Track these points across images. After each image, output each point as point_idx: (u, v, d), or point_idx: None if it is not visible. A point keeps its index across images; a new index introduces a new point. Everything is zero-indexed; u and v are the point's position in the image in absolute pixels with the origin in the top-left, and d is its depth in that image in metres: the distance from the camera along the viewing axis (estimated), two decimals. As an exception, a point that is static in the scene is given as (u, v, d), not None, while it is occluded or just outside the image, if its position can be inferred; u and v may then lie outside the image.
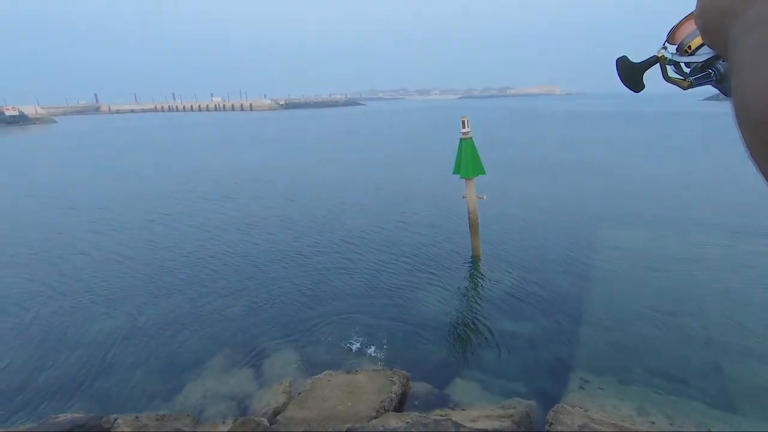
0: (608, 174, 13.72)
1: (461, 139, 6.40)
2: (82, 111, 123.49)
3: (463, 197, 6.93)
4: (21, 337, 5.24)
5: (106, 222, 9.95)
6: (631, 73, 0.59)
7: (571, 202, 10.42)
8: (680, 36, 0.53)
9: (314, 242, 8.13)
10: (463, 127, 6.34)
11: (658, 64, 0.56)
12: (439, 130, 32.70)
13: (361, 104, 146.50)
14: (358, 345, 4.79)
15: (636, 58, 0.60)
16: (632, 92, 0.63)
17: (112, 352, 4.88)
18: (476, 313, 5.53)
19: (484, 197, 6.79)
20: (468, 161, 6.41)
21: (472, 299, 5.97)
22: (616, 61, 0.60)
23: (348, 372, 4.13)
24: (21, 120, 63.54)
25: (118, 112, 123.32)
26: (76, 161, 21.67)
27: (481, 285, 6.32)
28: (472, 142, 6.43)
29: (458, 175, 6.62)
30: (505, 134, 27.25)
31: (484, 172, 6.64)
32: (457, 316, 5.52)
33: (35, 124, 63.64)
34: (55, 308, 5.93)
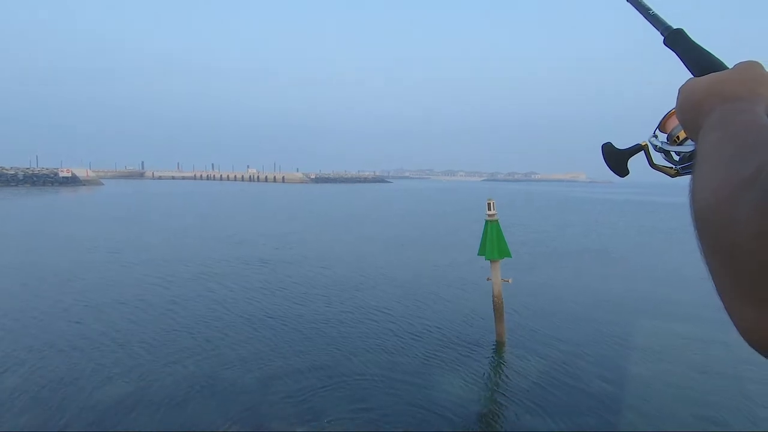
0: (638, 263, 13.27)
1: (487, 221, 6.42)
2: (128, 176, 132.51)
3: (488, 279, 6.78)
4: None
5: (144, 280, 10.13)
6: (615, 159, 0.60)
7: (601, 291, 10.01)
8: (670, 126, 0.54)
9: (333, 315, 7.97)
10: (489, 209, 6.40)
11: (643, 151, 0.57)
12: (464, 210, 33.08)
13: (389, 182, 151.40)
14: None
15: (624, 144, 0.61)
16: (618, 177, 0.64)
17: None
18: (497, 406, 5.12)
19: (510, 280, 6.62)
20: (493, 243, 6.37)
21: (494, 390, 5.56)
22: (602, 147, 0.61)
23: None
24: (72, 181, 68.43)
25: (160, 177, 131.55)
26: (114, 222, 22.74)
27: (505, 374, 5.92)
28: (498, 224, 6.44)
29: (483, 257, 6.54)
30: (530, 217, 27.26)
31: (509, 255, 6.55)
32: (477, 408, 5.11)
33: (84, 185, 68.25)
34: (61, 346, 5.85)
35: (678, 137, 0.53)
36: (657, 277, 11.59)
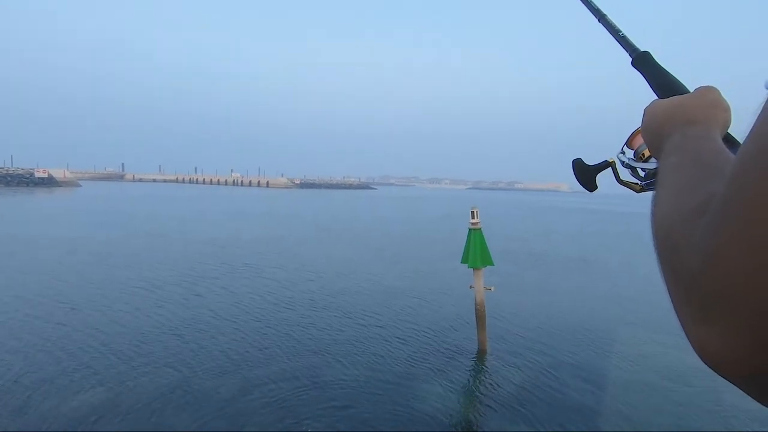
0: (619, 270, 13.54)
1: (470, 229, 6.48)
2: (107, 177, 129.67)
3: (471, 287, 6.83)
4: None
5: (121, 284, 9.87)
6: (585, 174, 0.62)
7: (582, 299, 10.17)
8: (636, 143, 0.56)
9: (312, 321, 7.90)
10: (473, 217, 6.46)
11: (611, 168, 0.59)
12: (447, 218, 33.29)
13: (374, 188, 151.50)
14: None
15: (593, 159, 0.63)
16: (587, 191, 0.66)
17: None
18: (478, 414, 5.13)
19: (492, 288, 6.67)
20: (477, 251, 6.42)
21: (475, 397, 5.58)
22: (573, 162, 0.63)
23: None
24: (49, 182, 66.51)
25: (141, 180, 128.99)
26: (86, 223, 22.16)
27: (486, 382, 5.95)
28: (481, 232, 6.50)
29: (466, 265, 6.59)
30: (513, 226, 27.59)
31: (492, 263, 6.61)
32: (458, 415, 5.12)
33: (61, 186, 66.40)
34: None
35: (644, 154, 0.54)
36: (637, 284, 11.84)
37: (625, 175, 0.57)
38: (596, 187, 0.63)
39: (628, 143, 0.56)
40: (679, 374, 6.21)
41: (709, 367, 0.25)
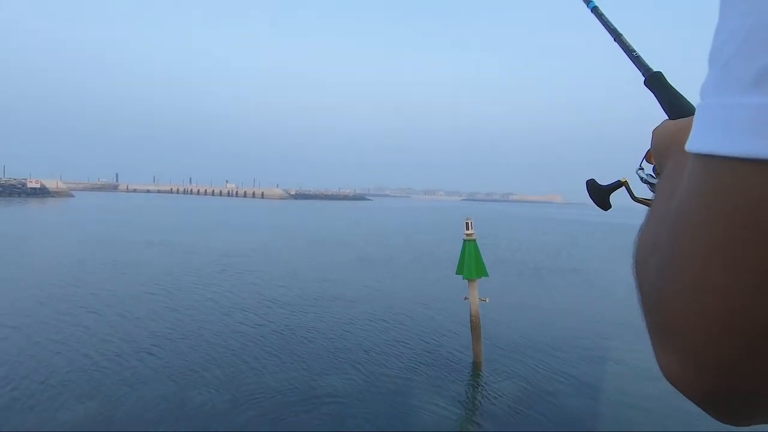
0: (611, 282, 13.57)
1: (465, 240, 6.48)
2: (101, 188, 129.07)
3: (465, 298, 6.81)
4: None
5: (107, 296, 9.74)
6: (599, 195, 0.63)
7: (576, 309, 10.16)
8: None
9: (306, 333, 7.82)
10: (467, 228, 6.47)
11: (623, 187, 0.60)
12: (442, 229, 33.34)
13: (369, 199, 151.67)
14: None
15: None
16: (602, 210, 0.68)
17: None
18: (474, 426, 5.08)
19: (487, 300, 6.66)
20: (471, 262, 6.42)
21: (471, 409, 5.53)
22: (586, 183, 0.64)
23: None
24: (41, 193, 66.04)
25: (135, 191, 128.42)
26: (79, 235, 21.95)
27: (482, 395, 5.90)
28: (476, 243, 6.51)
29: (461, 276, 6.58)
30: (508, 237, 27.67)
31: (486, 274, 6.61)
32: (454, 429, 5.06)
33: (54, 197, 65.92)
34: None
35: (659, 169, 0.54)
36: (629, 294, 11.85)
37: (641, 191, 0.57)
38: (610, 207, 0.64)
39: (647, 158, 0.56)
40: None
41: (674, 387, 0.27)
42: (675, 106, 0.53)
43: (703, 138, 0.24)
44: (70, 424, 4.78)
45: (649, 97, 0.57)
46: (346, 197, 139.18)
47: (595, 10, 0.70)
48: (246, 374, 6.15)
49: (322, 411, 5.28)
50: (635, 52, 0.61)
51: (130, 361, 6.44)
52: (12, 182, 66.59)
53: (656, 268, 0.27)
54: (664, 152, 0.46)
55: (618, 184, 0.61)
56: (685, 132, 0.47)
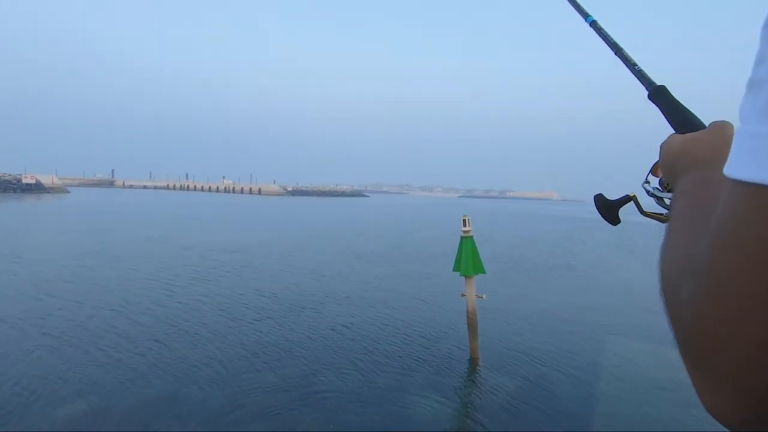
0: (611, 279, 13.64)
1: (462, 237, 6.49)
2: (97, 184, 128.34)
3: (462, 295, 6.82)
4: None
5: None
6: (608, 210, 0.63)
7: (574, 306, 10.21)
8: (661, 172, 0.56)
9: (303, 331, 7.83)
10: (464, 225, 6.47)
11: (632, 201, 0.61)
12: (439, 225, 33.36)
13: (366, 196, 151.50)
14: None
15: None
16: (611, 225, 0.67)
17: None
18: (472, 423, 5.10)
19: (484, 296, 6.68)
20: (468, 259, 6.43)
21: (468, 406, 5.55)
22: (594, 198, 0.65)
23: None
24: (36, 188, 65.63)
25: (131, 187, 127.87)
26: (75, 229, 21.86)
27: (479, 391, 5.93)
28: (473, 240, 6.52)
29: (458, 273, 6.59)
30: (505, 234, 27.72)
31: (484, 271, 6.62)
32: (451, 425, 5.08)
33: (49, 192, 65.57)
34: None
35: (668, 184, 0.54)
36: (625, 291, 11.93)
37: (649, 205, 0.56)
38: (619, 221, 0.64)
39: (653, 171, 0.56)
40: (674, 381, 6.24)
41: (714, 419, 0.26)
42: (681, 119, 0.52)
43: (752, 167, 0.23)
44: (70, 419, 4.78)
45: (653, 108, 0.56)
46: (343, 193, 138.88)
47: (594, 24, 0.68)
48: (244, 370, 6.15)
49: (320, 406, 5.29)
50: (637, 66, 0.60)
51: (128, 357, 6.43)
52: (7, 177, 66.05)
53: (692, 296, 0.26)
54: (673, 166, 0.46)
55: (627, 199, 0.60)
56: (697, 146, 0.45)
